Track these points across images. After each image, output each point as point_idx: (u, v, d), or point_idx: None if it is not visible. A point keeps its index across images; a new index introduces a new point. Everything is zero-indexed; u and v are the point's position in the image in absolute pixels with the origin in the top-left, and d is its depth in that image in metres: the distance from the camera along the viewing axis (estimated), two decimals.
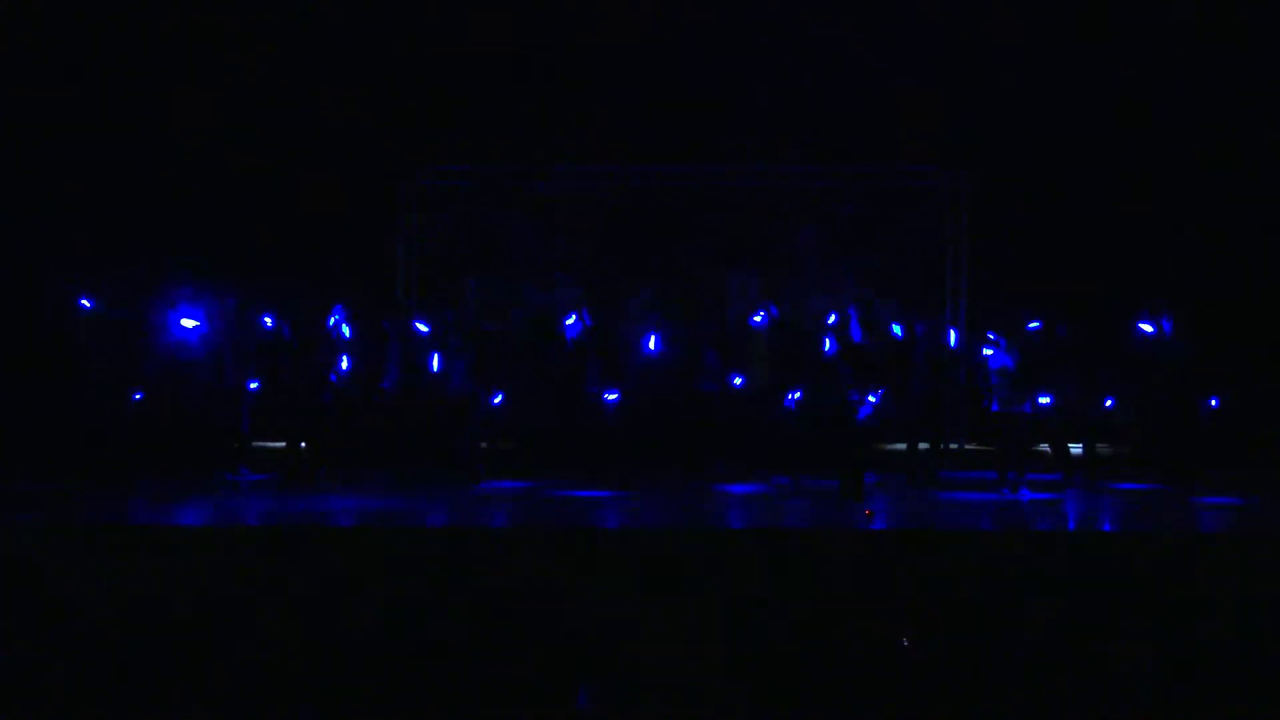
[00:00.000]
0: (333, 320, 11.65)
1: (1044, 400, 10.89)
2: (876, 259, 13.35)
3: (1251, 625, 7.35)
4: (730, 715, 6.07)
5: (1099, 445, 12.10)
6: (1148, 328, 11.35)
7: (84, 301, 11.39)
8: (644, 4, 13.33)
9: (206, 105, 13.58)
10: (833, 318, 11.57)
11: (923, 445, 11.87)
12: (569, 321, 11.87)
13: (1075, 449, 12.07)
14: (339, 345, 11.64)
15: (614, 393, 11.65)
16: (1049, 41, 13.39)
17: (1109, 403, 11.65)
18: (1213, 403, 11.16)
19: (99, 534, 8.81)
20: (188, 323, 11.44)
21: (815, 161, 13.35)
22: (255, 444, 12.28)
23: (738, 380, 11.83)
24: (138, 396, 11.64)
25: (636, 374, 11.98)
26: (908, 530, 9.34)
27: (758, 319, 12.14)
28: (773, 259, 13.42)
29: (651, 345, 11.77)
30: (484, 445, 11.95)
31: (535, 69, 13.52)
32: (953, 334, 11.26)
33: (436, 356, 11.68)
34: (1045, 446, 12.13)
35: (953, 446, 12.99)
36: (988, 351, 11.02)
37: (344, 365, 11.62)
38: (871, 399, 10.81)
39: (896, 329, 11.74)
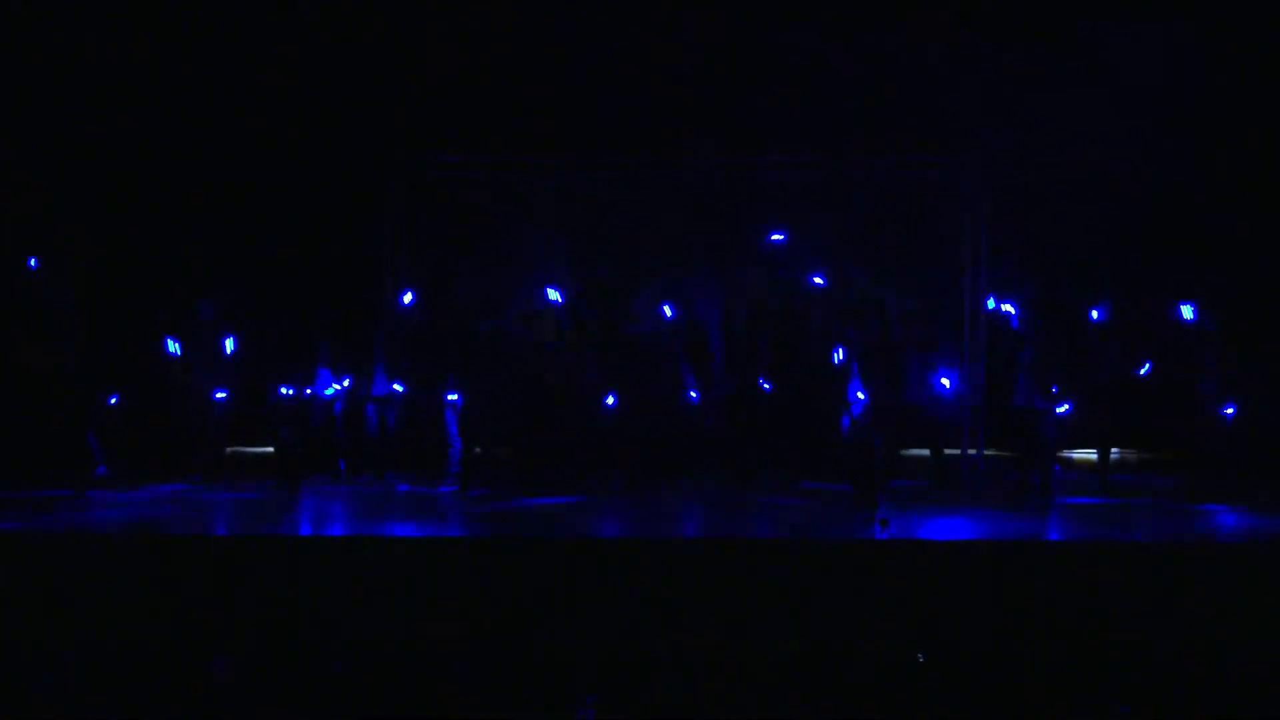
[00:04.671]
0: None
1: (1062, 409, 10.58)
2: (891, 253, 13.12)
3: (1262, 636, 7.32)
4: None
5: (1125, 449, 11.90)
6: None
7: None
8: None
9: (189, 97, 13.30)
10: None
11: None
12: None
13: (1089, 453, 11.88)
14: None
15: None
16: (1071, 26, 13.06)
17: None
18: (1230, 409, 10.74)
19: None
20: None
21: (826, 152, 13.06)
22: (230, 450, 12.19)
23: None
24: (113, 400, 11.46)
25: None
26: (922, 541, 8.98)
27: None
28: (783, 253, 12.97)
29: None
30: (477, 451, 11.77)
31: (535, 58, 13.27)
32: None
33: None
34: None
35: (970, 452, 12.47)
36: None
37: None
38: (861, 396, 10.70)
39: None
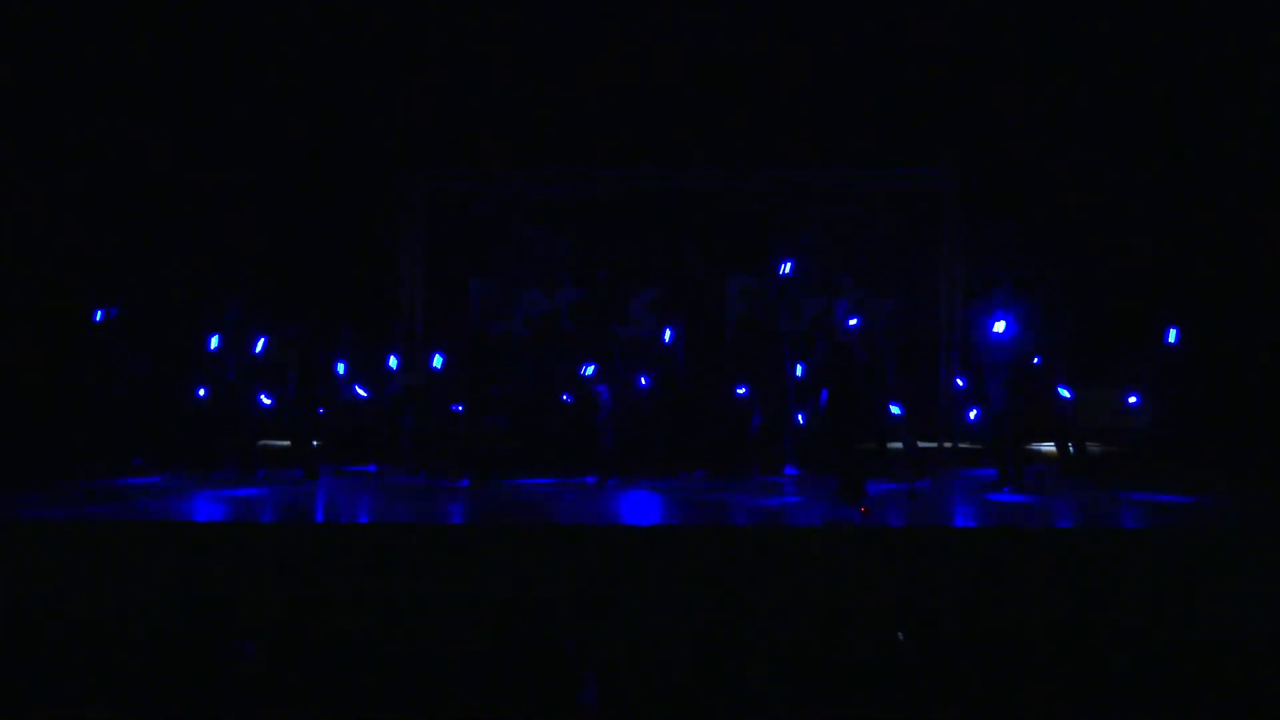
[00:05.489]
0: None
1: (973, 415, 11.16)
2: (875, 260, 13.44)
3: (1241, 622, 7.25)
4: (722, 711, 6.00)
5: (1095, 444, 12.15)
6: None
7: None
8: (646, 12, 13.50)
9: (204, 107, 13.69)
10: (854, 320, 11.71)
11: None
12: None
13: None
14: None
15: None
16: (1045, 42, 13.46)
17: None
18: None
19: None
20: None
21: (814, 164, 13.49)
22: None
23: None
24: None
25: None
26: (903, 528, 9.47)
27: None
28: (772, 261, 13.19)
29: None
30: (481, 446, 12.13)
31: (537, 73, 13.66)
32: None
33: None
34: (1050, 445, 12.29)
35: (946, 445, 13.09)
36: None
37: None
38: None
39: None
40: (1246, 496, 10.70)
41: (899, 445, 12.02)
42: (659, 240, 13.70)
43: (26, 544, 8.78)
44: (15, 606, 7.65)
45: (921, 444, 12.30)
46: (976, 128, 13.60)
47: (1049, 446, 12.28)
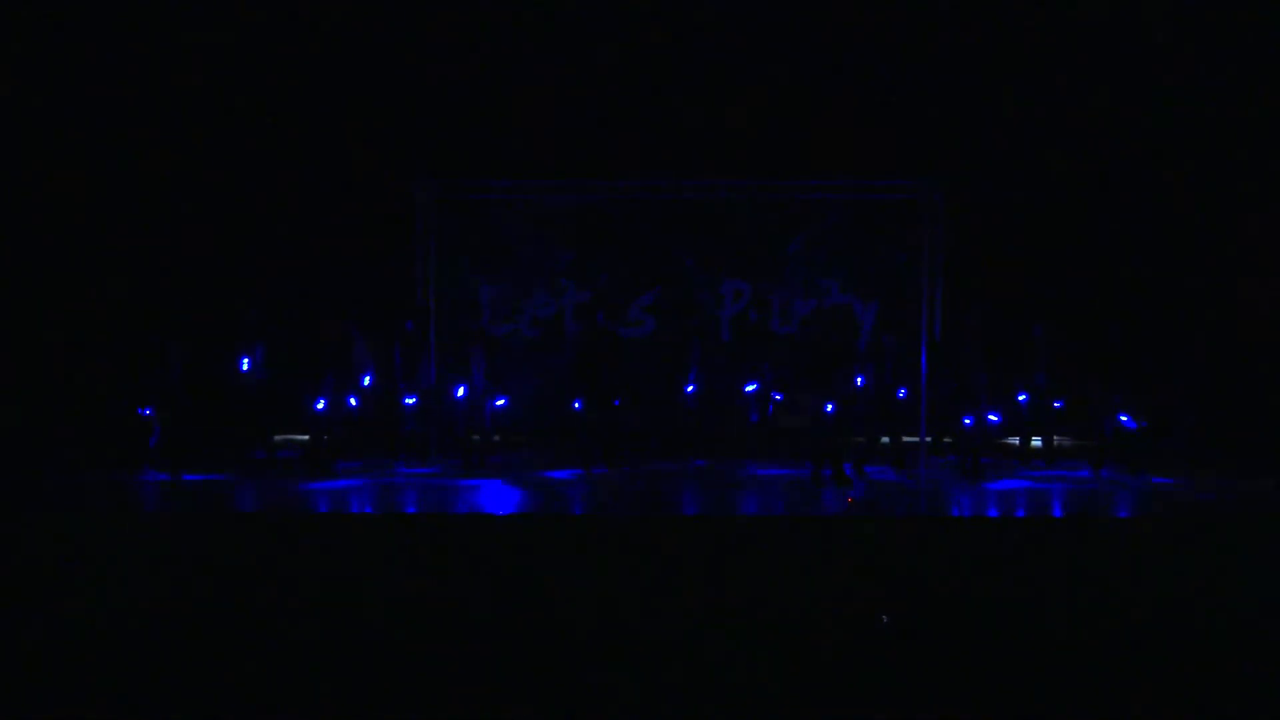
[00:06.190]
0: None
1: (994, 417, 11.70)
2: (859, 267, 13.91)
3: (1214, 606, 7.33)
4: (708, 696, 5.90)
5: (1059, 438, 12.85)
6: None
7: None
8: (648, 34, 14.08)
9: (226, 117, 14.19)
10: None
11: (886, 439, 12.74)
12: None
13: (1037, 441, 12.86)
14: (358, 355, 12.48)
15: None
16: (1021, 63, 14.10)
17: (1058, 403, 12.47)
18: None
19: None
20: None
21: (804, 176, 13.88)
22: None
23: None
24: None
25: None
26: (886, 518, 10.02)
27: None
28: (763, 267, 14.01)
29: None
30: (475, 438, 12.67)
31: (548, 99, 14.27)
32: None
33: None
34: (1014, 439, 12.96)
35: (927, 440, 13.65)
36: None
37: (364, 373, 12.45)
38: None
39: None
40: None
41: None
42: (657, 246, 14.15)
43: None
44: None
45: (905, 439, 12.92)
46: (956, 142, 14.20)
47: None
